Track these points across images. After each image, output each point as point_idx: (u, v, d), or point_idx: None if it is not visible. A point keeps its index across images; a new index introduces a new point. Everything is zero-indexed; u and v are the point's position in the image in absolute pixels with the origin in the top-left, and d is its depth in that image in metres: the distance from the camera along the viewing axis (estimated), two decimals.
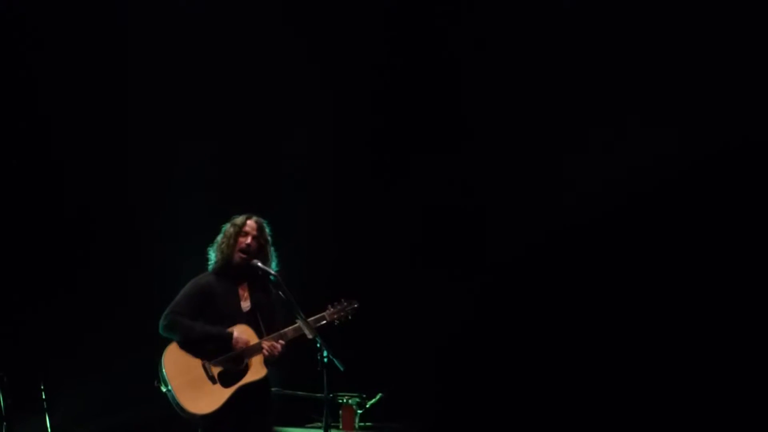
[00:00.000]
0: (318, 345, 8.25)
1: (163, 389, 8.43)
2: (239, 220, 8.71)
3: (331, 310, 8.74)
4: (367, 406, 9.84)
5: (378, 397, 9.84)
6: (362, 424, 9.87)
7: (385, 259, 11.23)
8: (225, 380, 8.46)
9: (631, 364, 10.74)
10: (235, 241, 8.64)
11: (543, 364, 10.90)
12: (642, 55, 10.83)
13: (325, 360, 8.22)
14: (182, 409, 8.40)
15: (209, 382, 8.45)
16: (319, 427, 9.29)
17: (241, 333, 8.54)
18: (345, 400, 9.80)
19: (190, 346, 8.46)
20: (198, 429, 8.50)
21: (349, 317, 8.78)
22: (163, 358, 8.45)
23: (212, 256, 8.70)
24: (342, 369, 8.26)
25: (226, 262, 8.63)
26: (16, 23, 10.75)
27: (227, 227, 8.70)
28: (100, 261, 10.78)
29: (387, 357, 10.83)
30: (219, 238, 8.70)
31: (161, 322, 8.49)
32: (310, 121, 11.23)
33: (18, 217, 10.64)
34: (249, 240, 8.62)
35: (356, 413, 9.82)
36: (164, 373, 8.41)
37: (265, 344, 8.53)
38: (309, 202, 11.12)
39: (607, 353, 10.75)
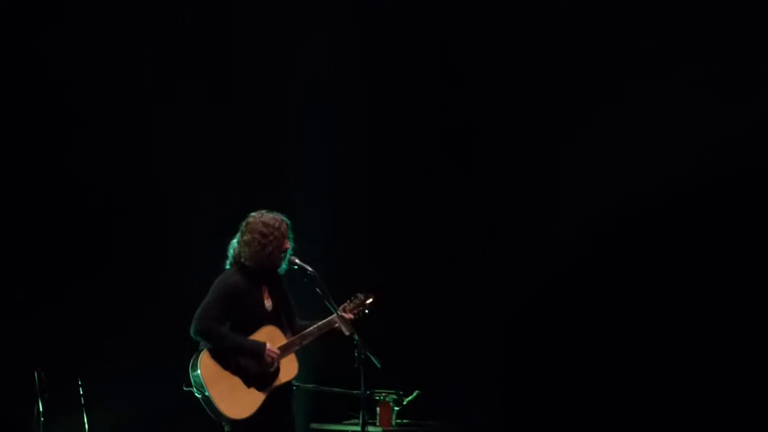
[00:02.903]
0: (355, 342, 8.24)
1: (198, 395, 8.42)
2: (279, 223, 8.62)
3: (350, 305, 8.71)
4: (404, 403, 9.81)
5: (415, 394, 9.81)
6: (399, 421, 9.84)
7: (423, 255, 11.20)
8: (259, 384, 8.45)
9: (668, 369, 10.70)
10: (282, 243, 8.58)
11: (580, 361, 10.84)
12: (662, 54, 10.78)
13: (362, 357, 8.21)
14: (220, 415, 8.39)
15: (244, 387, 8.44)
16: (356, 424, 9.27)
17: (270, 334, 8.54)
18: (382, 397, 9.77)
19: (221, 356, 8.44)
20: (224, 425, 8.50)
21: (366, 311, 8.73)
22: (199, 363, 8.41)
23: (239, 254, 8.61)
24: (379, 366, 8.24)
25: (260, 262, 8.58)
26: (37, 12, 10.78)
27: (262, 228, 8.56)
28: (138, 258, 10.78)
29: (424, 354, 10.80)
30: (250, 237, 8.57)
31: (194, 326, 8.44)
32: (344, 112, 11.25)
33: (57, 215, 10.66)
34: (288, 244, 8.63)
35: (393, 410, 9.79)
36: (201, 380, 8.39)
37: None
38: (343, 198, 11.12)
39: (656, 355, 10.68)
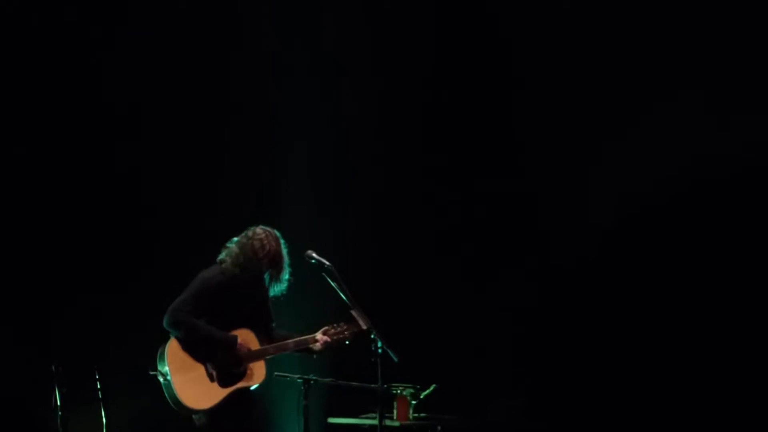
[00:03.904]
0: (372, 336, 8.24)
1: (161, 379, 8.58)
2: (272, 252, 8.78)
3: (332, 330, 8.92)
4: (421, 397, 9.81)
5: (432, 388, 9.81)
6: (416, 414, 9.83)
7: (439, 249, 11.19)
8: (222, 380, 8.63)
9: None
10: (261, 269, 8.76)
11: (598, 356, 10.80)
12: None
13: (379, 351, 8.21)
14: (178, 402, 8.57)
15: (207, 380, 8.60)
16: (373, 418, 9.28)
17: (244, 337, 8.70)
18: (399, 391, 9.77)
19: (192, 346, 8.57)
20: (195, 420, 8.68)
21: (346, 342, 8.92)
22: (166, 350, 8.60)
23: (231, 258, 8.74)
24: (396, 360, 8.24)
25: (243, 272, 8.73)
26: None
27: (252, 250, 8.74)
28: (157, 254, 10.80)
29: (441, 348, 10.79)
30: (239, 251, 8.74)
31: (168, 318, 8.60)
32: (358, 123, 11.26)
33: (76, 212, 10.70)
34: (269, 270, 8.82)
35: (410, 404, 9.79)
36: (166, 366, 8.55)
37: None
38: (355, 192, 11.16)
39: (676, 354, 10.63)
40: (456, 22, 11.26)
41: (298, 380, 8.81)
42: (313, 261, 8.54)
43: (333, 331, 8.91)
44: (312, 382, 8.81)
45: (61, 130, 10.75)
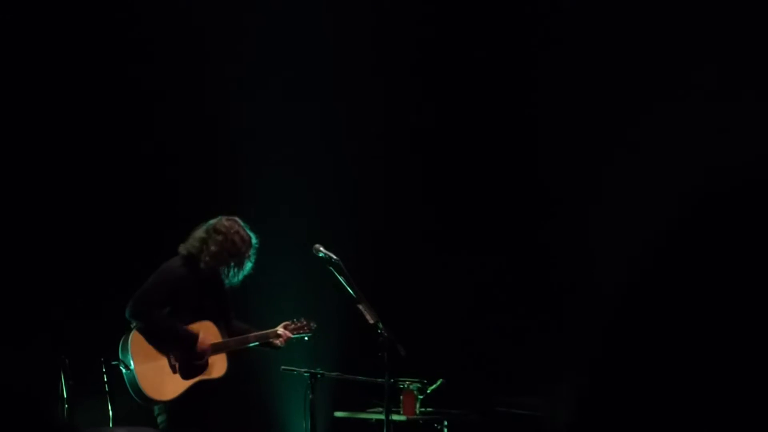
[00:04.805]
0: (379, 330, 8.23)
1: (123, 369, 8.65)
2: (250, 239, 8.87)
3: (292, 325, 9.05)
4: (428, 391, 9.81)
5: (439, 382, 9.81)
6: (423, 409, 9.83)
7: (447, 243, 11.19)
8: (185, 372, 8.68)
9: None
10: (239, 260, 8.83)
11: (602, 358, 10.80)
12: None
13: (386, 345, 8.21)
14: (141, 392, 8.62)
15: (170, 371, 8.65)
16: (380, 412, 9.27)
17: (207, 329, 8.75)
18: (406, 386, 9.77)
19: (154, 337, 8.62)
20: (156, 414, 8.74)
21: (305, 338, 9.09)
22: (130, 339, 8.63)
23: (198, 251, 8.81)
24: (402, 354, 8.24)
25: (211, 268, 8.79)
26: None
27: (231, 245, 8.81)
28: (165, 249, 10.81)
29: (448, 342, 10.79)
30: (218, 249, 8.80)
31: (131, 308, 8.65)
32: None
33: (88, 203, 10.72)
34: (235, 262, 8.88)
35: (417, 398, 9.79)
36: (130, 355, 8.60)
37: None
38: (362, 186, 11.18)
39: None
40: (456, 24, 11.29)
41: (305, 374, 8.83)
42: (321, 255, 8.54)
43: (293, 326, 9.06)
44: (319, 376, 8.82)
45: (60, 129, 10.76)
